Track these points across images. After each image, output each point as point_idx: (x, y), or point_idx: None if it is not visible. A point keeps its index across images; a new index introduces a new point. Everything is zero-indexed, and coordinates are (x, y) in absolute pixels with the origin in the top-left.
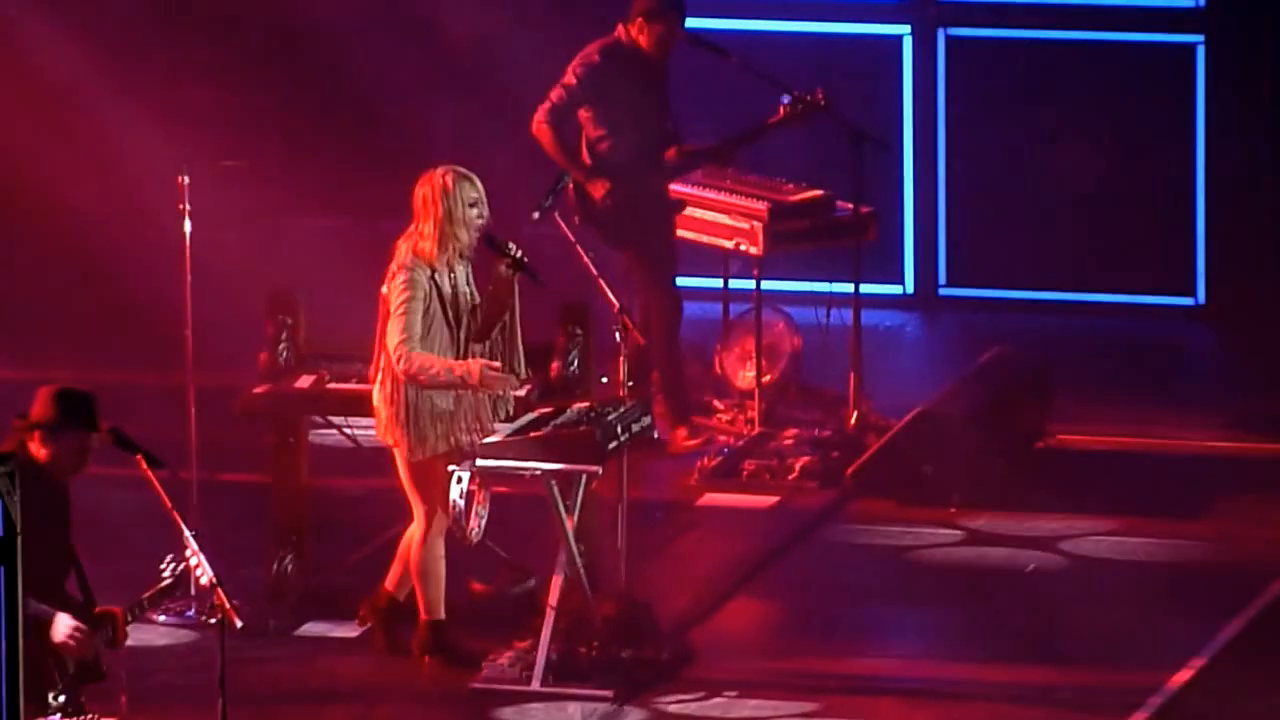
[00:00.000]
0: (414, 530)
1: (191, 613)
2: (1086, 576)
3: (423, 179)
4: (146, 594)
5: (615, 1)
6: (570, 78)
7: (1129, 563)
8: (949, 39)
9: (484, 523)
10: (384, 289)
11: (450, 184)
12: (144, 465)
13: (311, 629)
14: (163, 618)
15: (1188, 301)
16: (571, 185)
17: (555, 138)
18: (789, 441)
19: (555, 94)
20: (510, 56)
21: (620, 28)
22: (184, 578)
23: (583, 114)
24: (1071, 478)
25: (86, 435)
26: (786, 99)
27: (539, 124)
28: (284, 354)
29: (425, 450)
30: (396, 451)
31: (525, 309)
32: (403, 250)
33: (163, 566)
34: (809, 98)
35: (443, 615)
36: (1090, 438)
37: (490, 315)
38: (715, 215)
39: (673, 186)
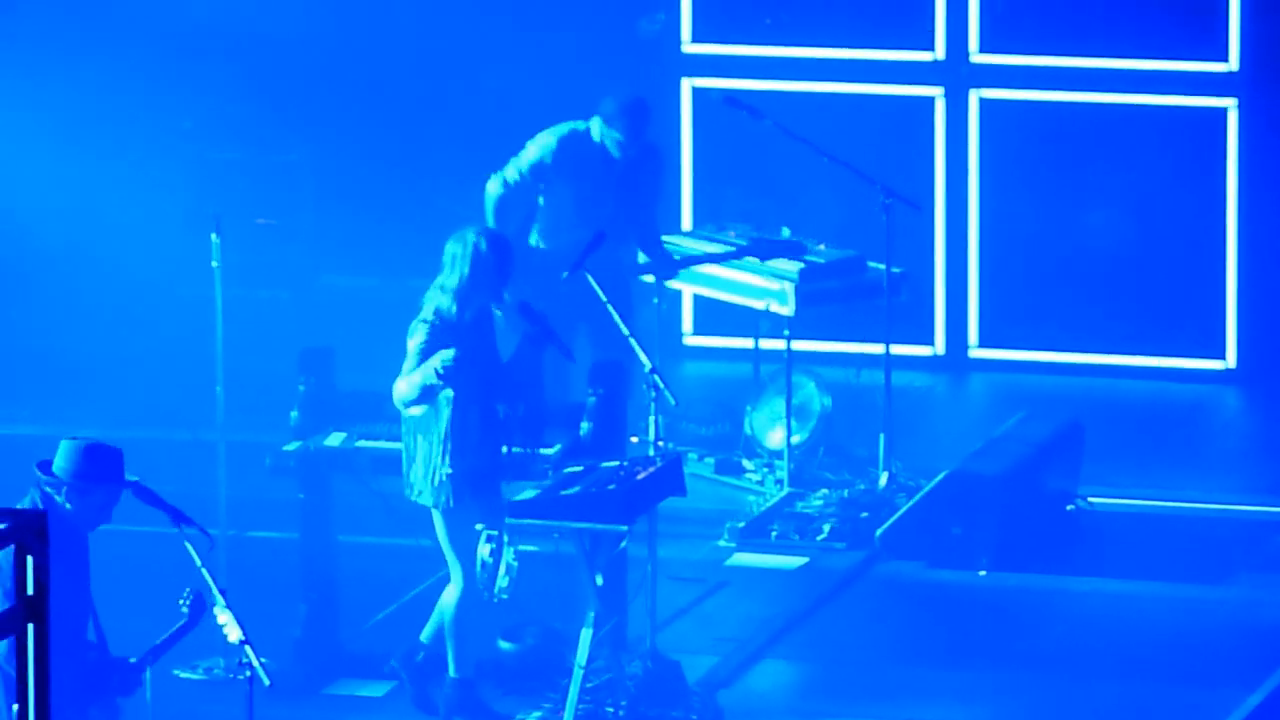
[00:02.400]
0: (451, 586)
1: (220, 669)
2: (1114, 640)
3: (458, 235)
4: (162, 636)
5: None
6: (524, 159)
7: (1157, 627)
8: (981, 101)
9: (512, 581)
10: (409, 339)
11: (483, 250)
12: (173, 522)
13: (340, 687)
14: (190, 674)
15: (1218, 364)
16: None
17: (497, 210)
18: (818, 502)
19: (508, 169)
20: (544, 117)
21: (594, 119)
22: (200, 610)
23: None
24: (1101, 540)
25: (113, 490)
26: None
27: (489, 192)
28: (314, 411)
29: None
30: (434, 510)
31: (557, 366)
32: (428, 304)
33: (180, 601)
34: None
35: (471, 674)
36: (1120, 500)
37: (514, 378)
38: (746, 275)
39: (702, 249)
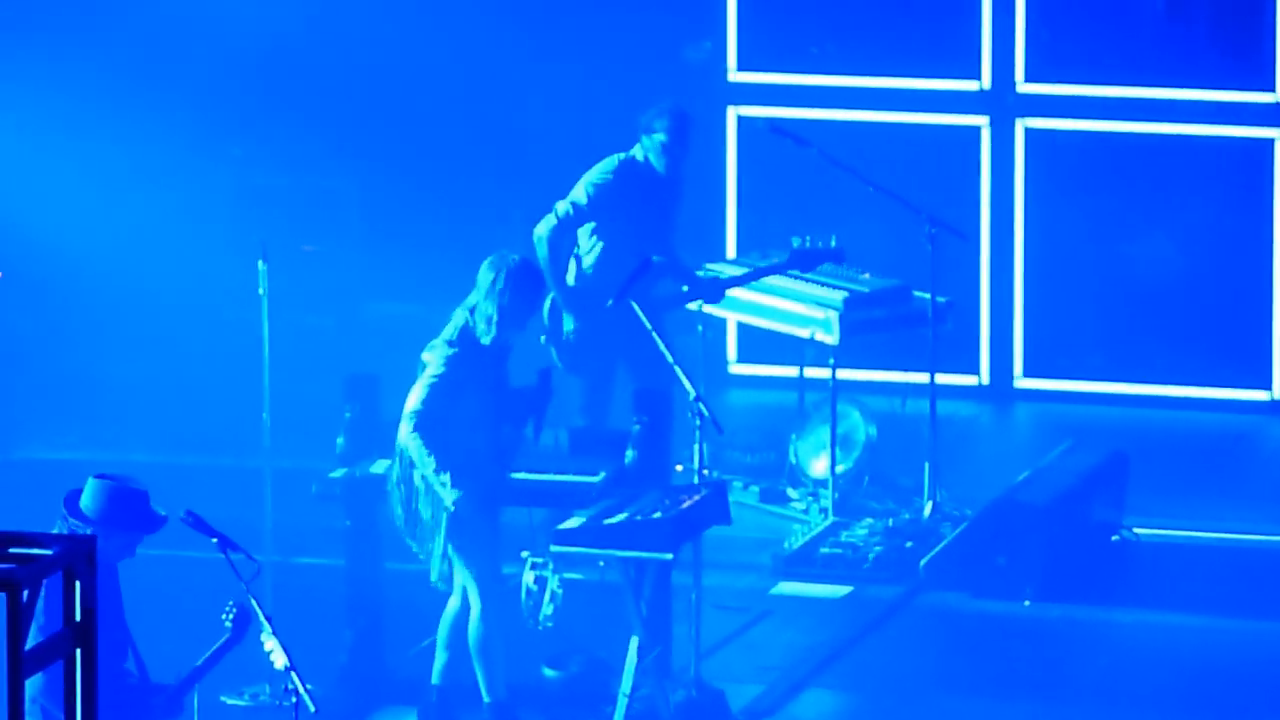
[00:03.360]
0: (451, 605)
1: (266, 695)
2: (1158, 671)
3: (496, 259)
4: (206, 654)
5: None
6: (580, 194)
7: (1201, 658)
8: (1027, 131)
9: (557, 609)
10: (426, 353)
11: (518, 282)
12: (220, 548)
13: (385, 714)
14: (236, 700)
15: (1263, 395)
16: (550, 301)
17: (550, 255)
18: (863, 531)
19: (562, 207)
20: (591, 144)
21: (637, 146)
22: (244, 625)
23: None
24: (1146, 571)
25: (136, 537)
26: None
27: (539, 237)
28: (360, 438)
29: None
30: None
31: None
32: (454, 323)
33: (223, 615)
34: (820, 245)
35: (504, 695)
36: (1165, 531)
37: (523, 409)
38: (791, 304)
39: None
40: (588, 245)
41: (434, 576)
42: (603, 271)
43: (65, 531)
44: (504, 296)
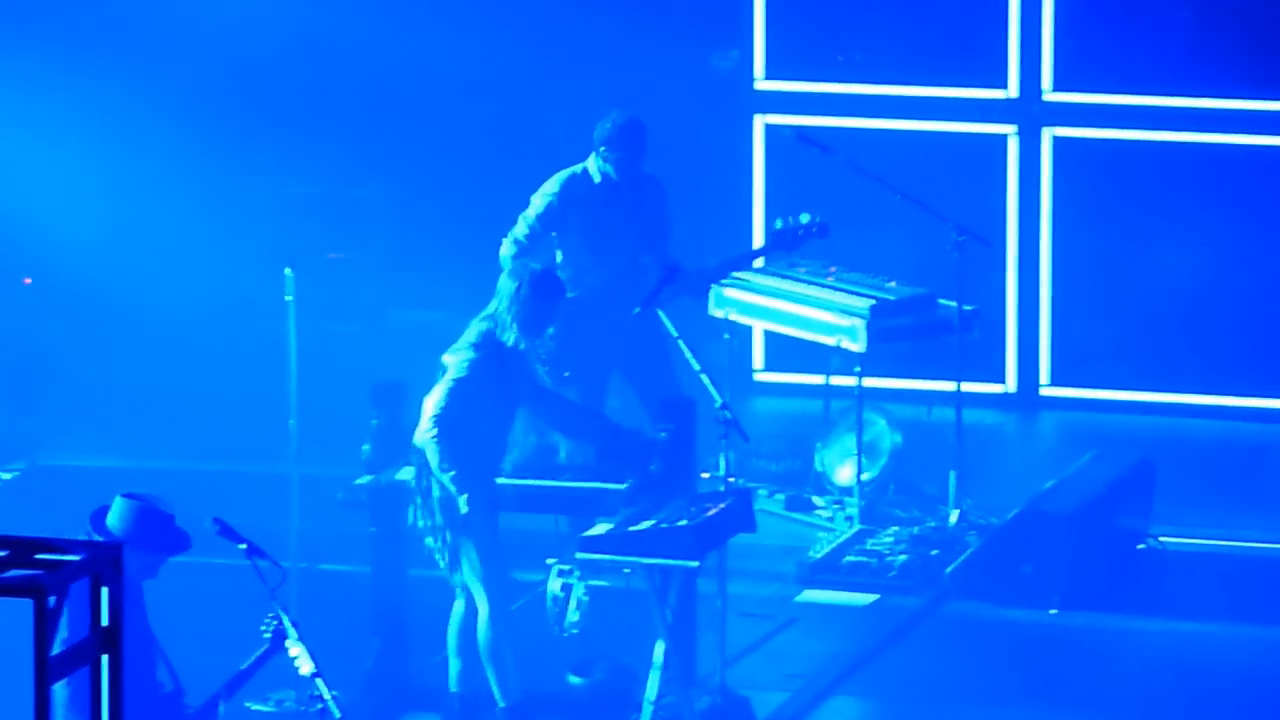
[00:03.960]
0: (456, 610)
1: (292, 702)
2: (1185, 680)
3: (516, 269)
4: (244, 663)
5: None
6: (530, 213)
7: (1228, 667)
8: (1055, 139)
9: (583, 616)
10: (447, 356)
11: (538, 289)
12: (247, 555)
13: None
14: (262, 707)
15: None
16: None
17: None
18: (888, 539)
19: (518, 227)
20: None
21: (590, 157)
22: (283, 637)
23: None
24: (1172, 580)
25: (161, 558)
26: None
27: (503, 258)
28: (386, 445)
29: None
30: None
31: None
32: (475, 329)
33: (262, 627)
34: (804, 223)
35: (519, 698)
36: (1191, 540)
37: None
38: (817, 311)
39: (772, 285)
40: (561, 265)
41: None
42: (571, 285)
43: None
44: (525, 303)
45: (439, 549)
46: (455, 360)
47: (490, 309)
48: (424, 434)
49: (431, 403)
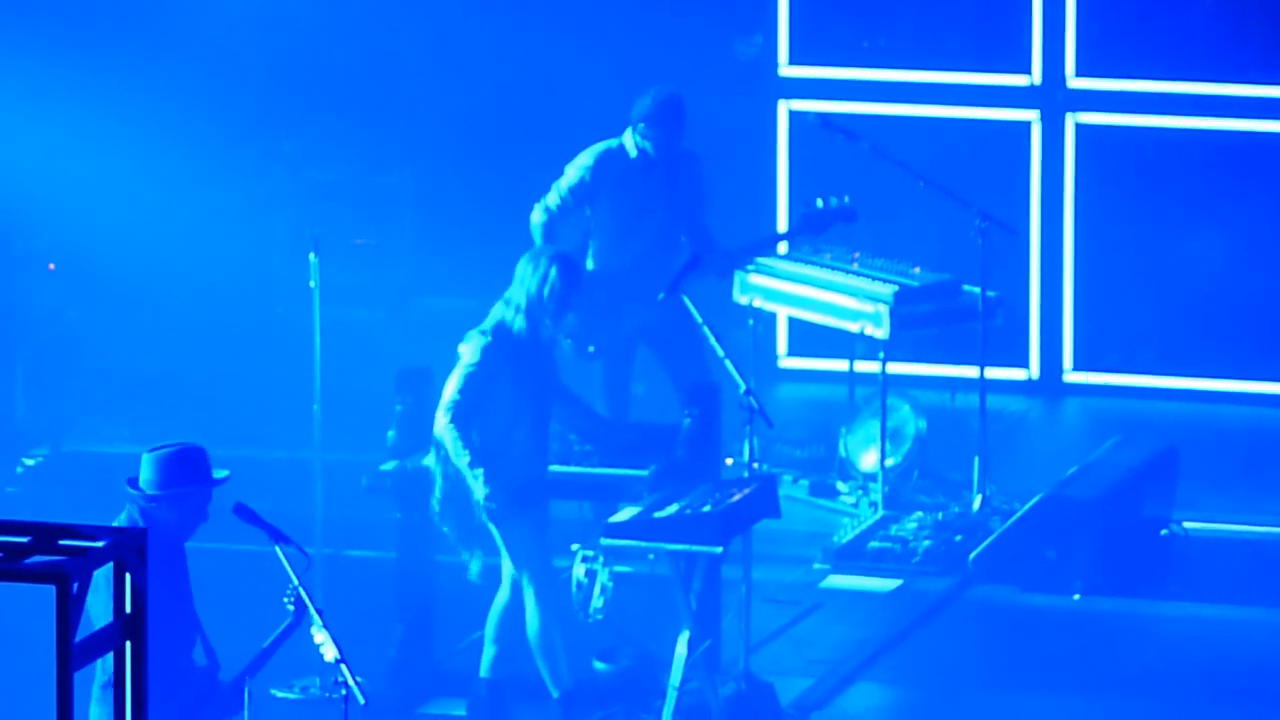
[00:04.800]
0: (500, 597)
1: (316, 688)
2: (1208, 666)
3: (536, 253)
4: (268, 639)
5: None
6: (562, 185)
7: (1251, 653)
8: (1078, 126)
9: (607, 602)
10: (462, 345)
11: (557, 274)
12: (271, 541)
13: (435, 706)
14: (286, 693)
15: None
16: None
17: (546, 237)
18: (912, 525)
19: (550, 196)
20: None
21: (626, 132)
22: (304, 609)
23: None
24: (1195, 566)
25: (204, 491)
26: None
27: (534, 226)
28: (411, 431)
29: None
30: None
31: (656, 388)
32: (492, 315)
33: (285, 598)
34: (834, 206)
35: (570, 687)
36: (1215, 525)
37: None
38: (841, 298)
39: (797, 270)
40: (591, 237)
41: (472, 572)
42: (600, 258)
43: (135, 511)
44: (543, 288)
45: (461, 538)
46: (467, 347)
47: (507, 294)
48: (439, 424)
49: (446, 392)
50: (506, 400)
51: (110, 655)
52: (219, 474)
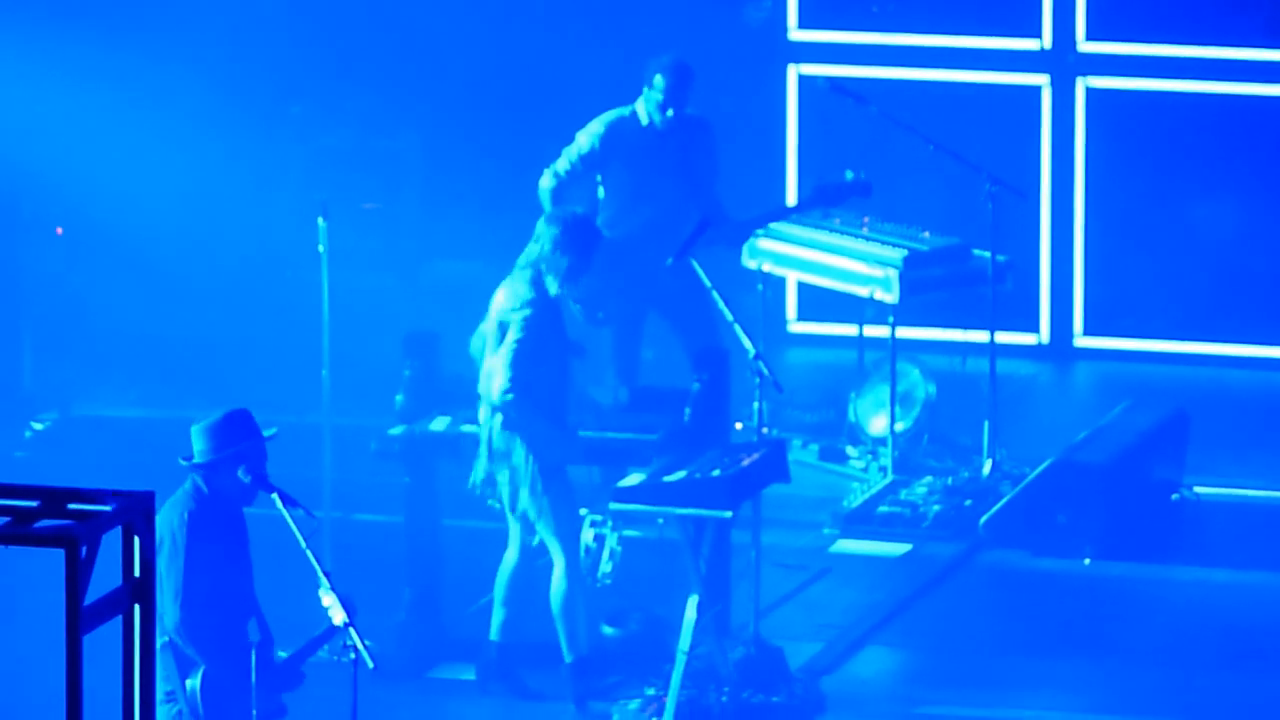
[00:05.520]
0: (508, 559)
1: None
2: (1218, 630)
3: (554, 215)
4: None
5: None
6: (572, 150)
7: (1261, 617)
8: (1088, 90)
9: (616, 566)
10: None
11: (577, 241)
12: (280, 504)
13: (443, 670)
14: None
15: None
16: None
17: (554, 203)
18: (922, 489)
19: (560, 161)
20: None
21: (638, 99)
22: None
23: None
24: (1206, 530)
25: (258, 447)
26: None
27: (542, 191)
28: (419, 395)
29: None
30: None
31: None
32: (523, 281)
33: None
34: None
35: (587, 652)
36: (1225, 490)
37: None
38: (851, 262)
39: (806, 235)
40: (601, 204)
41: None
42: (611, 225)
43: (196, 481)
44: (565, 250)
45: (514, 505)
46: (515, 319)
47: (533, 254)
48: (499, 395)
49: (500, 364)
50: (550, 366)
51: (165, 614)
52: (268, 432)
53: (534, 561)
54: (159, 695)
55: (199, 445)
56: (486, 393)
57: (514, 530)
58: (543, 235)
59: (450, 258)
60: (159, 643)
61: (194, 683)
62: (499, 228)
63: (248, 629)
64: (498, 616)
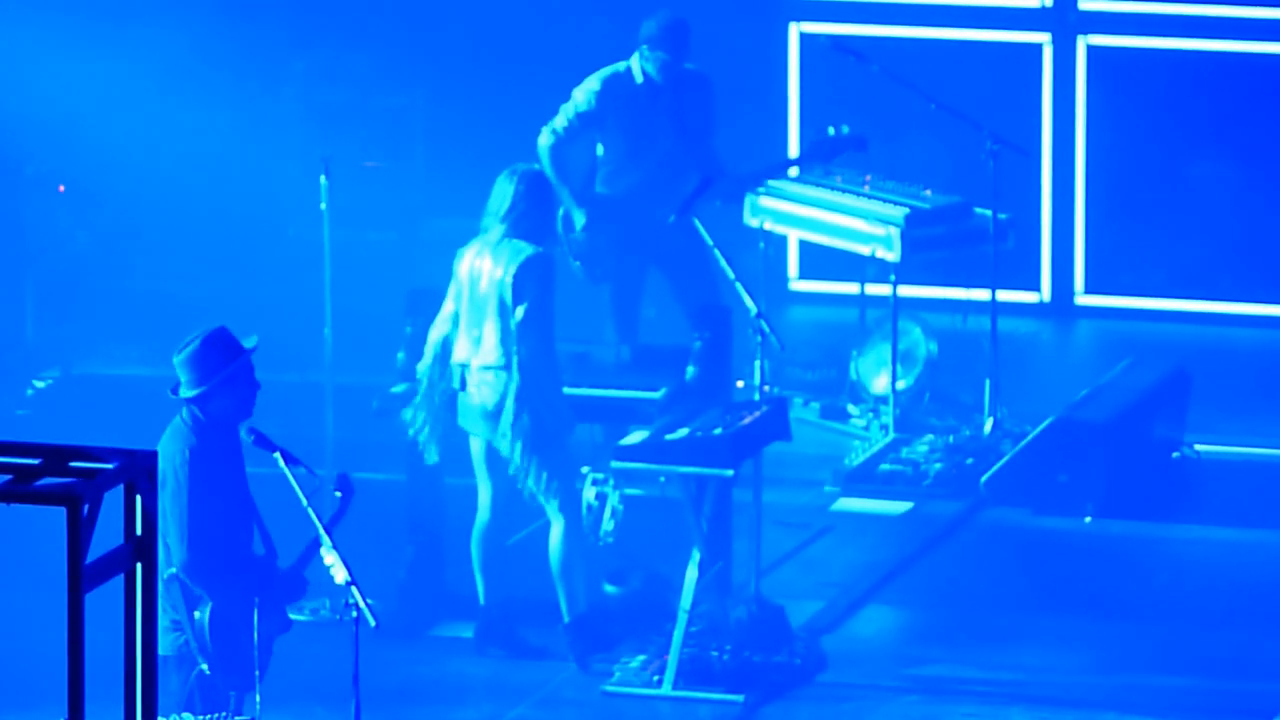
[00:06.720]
0: (480, 520)
1: (327, 610)
2: (1219, 587)
3: (527, 177)
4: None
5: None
6: (569, 108)
7: (1261, 574)
8: (1089, 48)
9: (618, 525)
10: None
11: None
12: (281, 462)
13: (445, 629)
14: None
15: None
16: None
17: (553, 160)
18: (923, 448)
19: (557, 119)
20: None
21: (634, 56)
22: (350, 491)
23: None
24: (1206, 488)
25: (244, 363)
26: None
27: (541, 149)
28: (421, 353)
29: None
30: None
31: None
32: (519, 248)
33: (336, 491)
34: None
35: (586, 611)
36: (1226, 448)
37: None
38: (853, 220)
39: (808, 193)
40: (599, 162)
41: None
42: (609, 182)
43: (192, 412)
44: (530, 206)
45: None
46: (529, 278)
47: (501, 211)
48: (528, 358)
49: (528, 338)
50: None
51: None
52: (249, 342)
53: (505, 523)
54: (164, 624)
55: (185, 376)
56: (483, 357)
57: (484, 492)
58: (509, 194)
59: (452, 215)
60: (165, 574)
61: (202, 615)
62: None
63: (252, 547)
64: (481, 583)
